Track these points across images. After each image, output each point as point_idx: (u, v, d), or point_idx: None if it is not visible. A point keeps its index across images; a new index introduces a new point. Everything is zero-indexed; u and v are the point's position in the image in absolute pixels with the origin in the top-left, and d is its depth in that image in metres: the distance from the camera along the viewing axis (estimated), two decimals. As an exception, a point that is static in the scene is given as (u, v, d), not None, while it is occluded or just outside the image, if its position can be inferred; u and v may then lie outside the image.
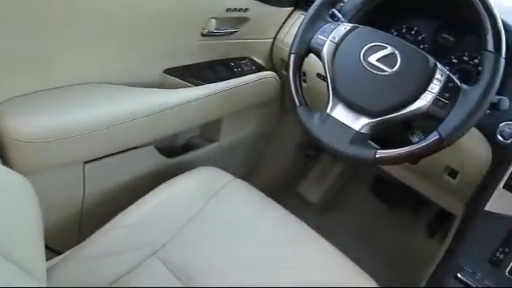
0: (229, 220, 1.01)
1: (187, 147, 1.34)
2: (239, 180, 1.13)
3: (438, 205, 1.39)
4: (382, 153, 0.82)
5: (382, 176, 1.70)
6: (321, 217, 1.72)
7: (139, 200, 1.00)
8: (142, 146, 1.11)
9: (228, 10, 1.13)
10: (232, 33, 1.22)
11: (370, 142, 0.89)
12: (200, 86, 1.16)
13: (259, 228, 1.01)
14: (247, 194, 1.10)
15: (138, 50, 1.06)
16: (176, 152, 1.27)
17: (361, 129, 0.85)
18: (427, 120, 0.82)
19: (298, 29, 0.97)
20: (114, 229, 0.94)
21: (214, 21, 1.13)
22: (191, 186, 1.07)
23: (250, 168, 1.64)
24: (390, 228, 1.68)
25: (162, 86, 1.13)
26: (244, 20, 1.22)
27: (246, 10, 1.18)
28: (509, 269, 0.88)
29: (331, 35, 0.92)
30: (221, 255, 0.94)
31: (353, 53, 0.88)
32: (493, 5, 0.80)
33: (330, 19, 0.98)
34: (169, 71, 1.14)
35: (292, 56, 0.96)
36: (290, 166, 1.72)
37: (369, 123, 0.85)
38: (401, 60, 0.84)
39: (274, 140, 1.64)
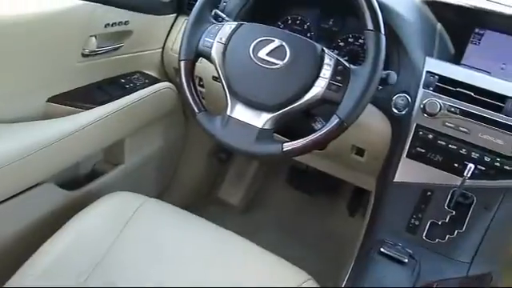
0: (148, 243, 0.96)
1: (93, 175, 1.25)
2: (152, 199, 1.07)
3: (353, 184, 1.43)
4: (288, 145, 0.83)
5: (296, 166, 1.72)
6: (245, 218, 1.72)
7: (45, 244, 0.91)
8: (38, 185, 1.01)
9: (106, 25, 1.07)
10: (116, 48, 1.16)
11: (276, 136, 0.88)
12: (91, 110, 1.08)
13: (180, 244, 0.97)
14: (163, 213, 1.05)
15: (14, 80, 0.97)
16: (81, 183, 1.18)
17: (264, 125, 0.85)
18: (326, 105, 0.83)
19: (183, 34, 0.94)
20: (20, 280, 0.84)
21: (93, 39, 1.06)
22: (102, 216, 1.00)
23: (164, 184, 1.58)
24: (313, 216, 1.72)
25: (48, 116, 1.04)
26: (127, 33, 1.17)
27: (127, 22, 1.12)
28: (425, 232, 0.93)
29: (218, 36, 0.91)
30: (145, 280, 0.88)
31: (242, 50, 0.88)
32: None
33: (214, 20, 0.96)
34: (54, 99, 1.06)
35: (182, 63, 0.93)
36: (205, 173, 1.69)
37: (270, 118, 0.85)
38: (290, 51, 0.84)
39: (183, 151, 1.60)
